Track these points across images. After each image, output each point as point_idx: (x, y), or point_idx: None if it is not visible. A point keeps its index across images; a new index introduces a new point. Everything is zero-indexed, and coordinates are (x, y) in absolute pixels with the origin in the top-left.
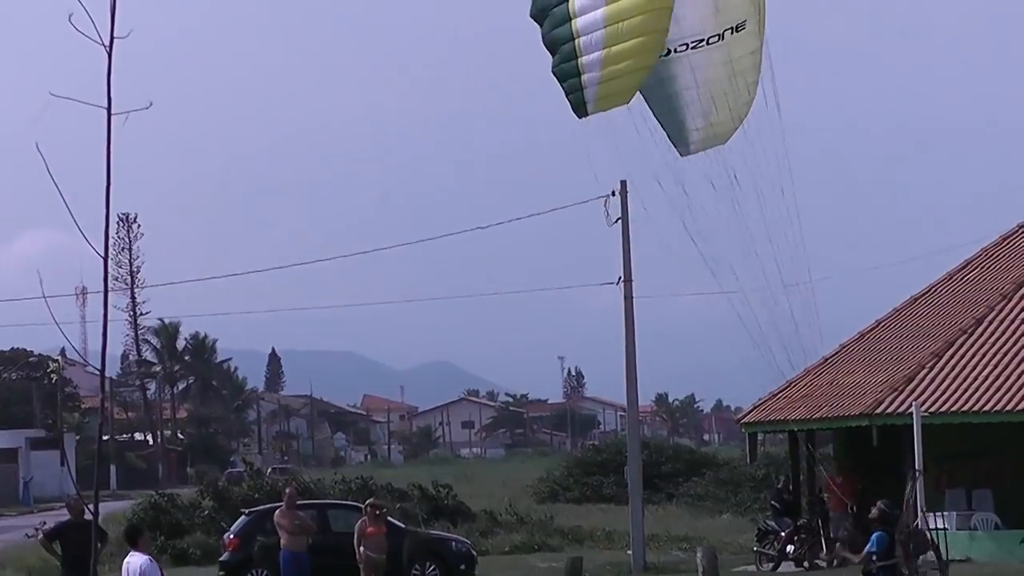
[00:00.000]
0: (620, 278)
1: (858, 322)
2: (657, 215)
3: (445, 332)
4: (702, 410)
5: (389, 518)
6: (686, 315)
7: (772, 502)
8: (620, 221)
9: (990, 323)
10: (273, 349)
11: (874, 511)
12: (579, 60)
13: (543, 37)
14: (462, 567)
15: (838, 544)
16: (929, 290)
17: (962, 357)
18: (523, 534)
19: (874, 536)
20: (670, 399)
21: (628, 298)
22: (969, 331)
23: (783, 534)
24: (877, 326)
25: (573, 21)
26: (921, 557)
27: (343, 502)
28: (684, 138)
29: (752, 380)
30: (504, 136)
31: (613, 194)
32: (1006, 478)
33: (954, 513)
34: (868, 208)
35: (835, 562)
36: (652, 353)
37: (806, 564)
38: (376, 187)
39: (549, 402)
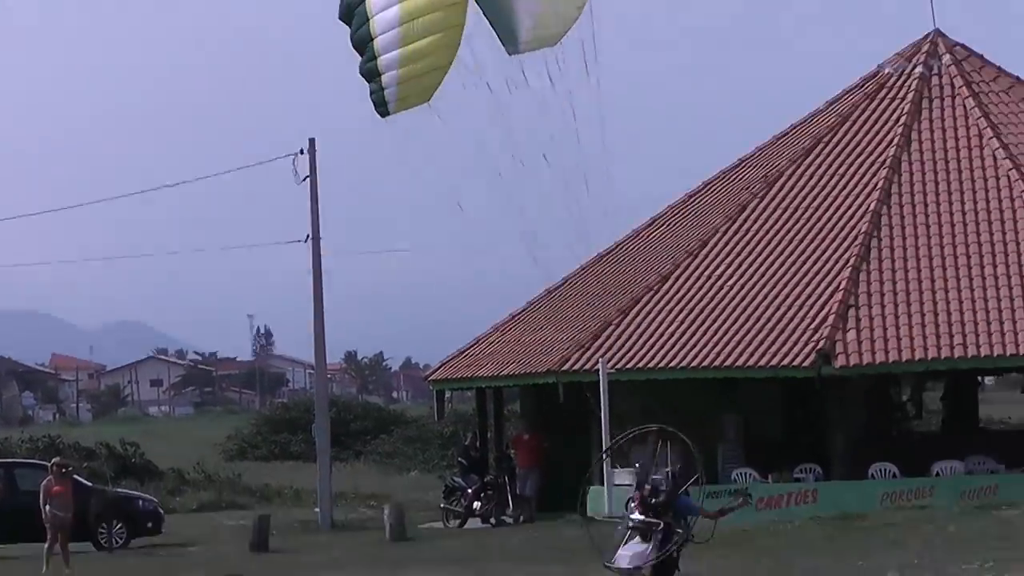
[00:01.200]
0: (308, 236)
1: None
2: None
3: (134, 291)
4: (391, 368)
5: (76, 476)
6: (378, 273)
7: (459, 459)
8: (308, 179)
9: (675, 280)
10: None
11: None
12: (378, 60)
13: (351, 37)
14: (149, 525)
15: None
16: (616, 247)
17: (648, 314)
18: (211, 492)
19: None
20: (359, 357)
21: (316, 255)
22: (655, 288)
23: (470, 491)
24: (564, 283)
25: (371, 20)
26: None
27: (29, 461)
28: (515, 37)
29: (441, 338)
30: (197, 90)
31: (302, 152)
32: (688, 433)
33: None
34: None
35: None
36: (342, 311)
37: (492, 520)
38: (69, 141)
39: (238, 360)
